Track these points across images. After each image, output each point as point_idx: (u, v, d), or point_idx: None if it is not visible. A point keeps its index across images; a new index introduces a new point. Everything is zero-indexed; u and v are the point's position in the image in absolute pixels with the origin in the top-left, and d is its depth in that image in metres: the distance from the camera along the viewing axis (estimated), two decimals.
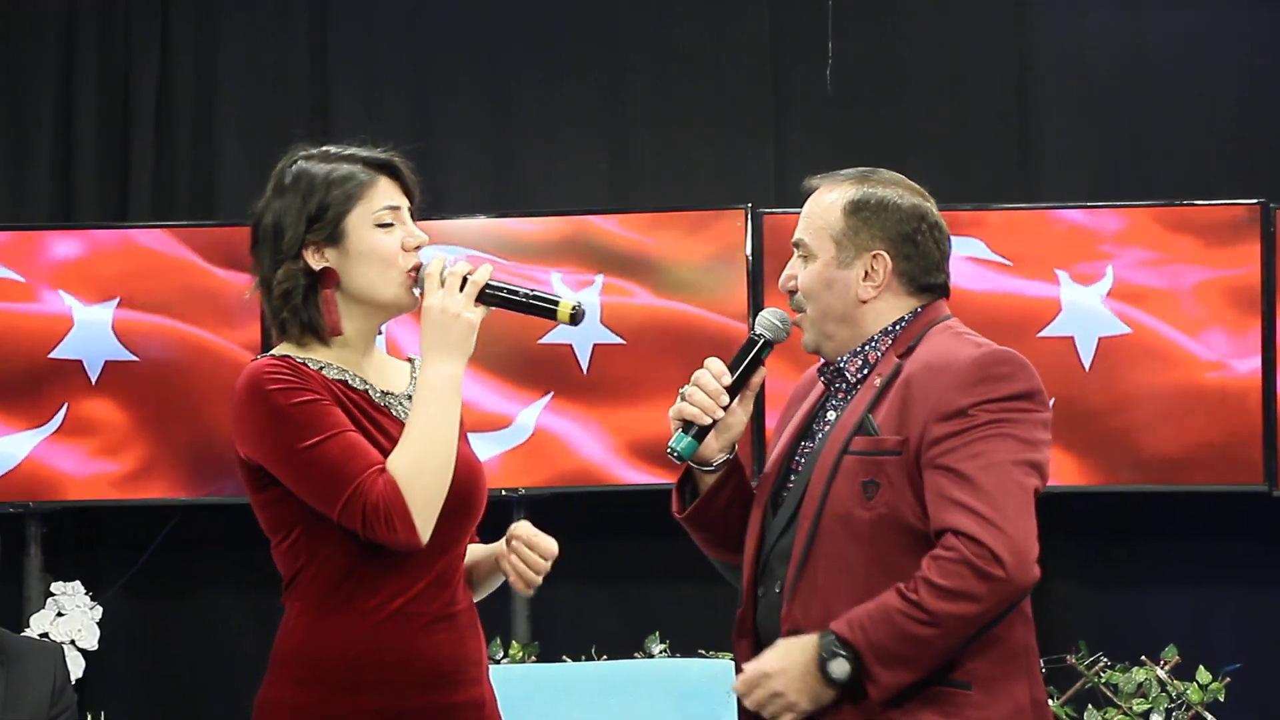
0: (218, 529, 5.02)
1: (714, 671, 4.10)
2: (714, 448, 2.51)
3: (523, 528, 2.52)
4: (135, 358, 4.88)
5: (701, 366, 2.52)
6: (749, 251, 4.82)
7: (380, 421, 2.44)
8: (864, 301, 2.47)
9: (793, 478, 2.49)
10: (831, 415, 2.50)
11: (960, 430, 2.34)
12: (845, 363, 2.50)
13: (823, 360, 2.54)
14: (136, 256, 4.89)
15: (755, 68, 5.14)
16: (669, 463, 4.73)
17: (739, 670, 2.44)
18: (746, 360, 2.52)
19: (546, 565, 2.51)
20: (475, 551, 2.57)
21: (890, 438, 2.38)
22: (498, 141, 5.16)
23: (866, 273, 2.47)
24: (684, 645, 4.87)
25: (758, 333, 2.54)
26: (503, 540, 2.55)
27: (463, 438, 2.46)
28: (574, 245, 4.86)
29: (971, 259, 4.69)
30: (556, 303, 2.43)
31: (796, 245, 2.52)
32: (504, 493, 4.79)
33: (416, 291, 2.45)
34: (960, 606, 2.28)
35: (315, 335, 2.45)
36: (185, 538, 5.09)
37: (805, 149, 5.09)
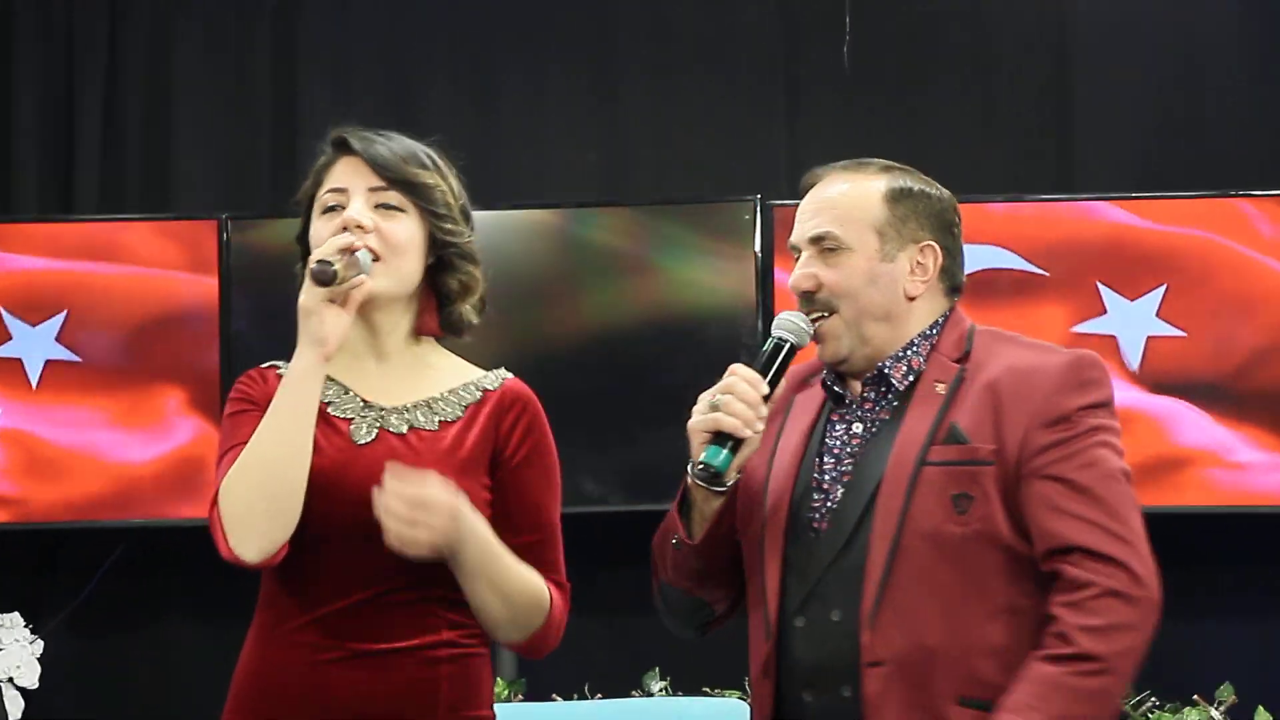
0: (173, 553, 4.99)
1: (719, 711, 4.05)
2: (733, 466, 2.47)
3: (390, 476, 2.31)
4: (79, 359, 4.87)
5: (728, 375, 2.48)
6: (758, 248, 4.79)
7: (319, 435, 2.36)
8: (912, 298, 2.45)
9: (817, 496, 2.44)
10: (859, 428, 2.45)
11: (1068, 437, 2.34)
12: (889, 368, 2.45)
13: (830, 371, 2.49)
14: (84, 252, 4.88)
15: (764, 44, 5.12)
16: (667, 484, 4.81)
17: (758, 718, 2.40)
18: (775, 368, 2.47)
19: (416, 514, 2.27)
20: None
21: (984, 446, 2.36)
22: (479, 129, 5.14)
23: (914, 266, 2.45)
24: (686, 682, 4.84)
25: (782, 338, 2.48)
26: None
27: (445, 459, 2.37)
28: (564, 242, 4.87)
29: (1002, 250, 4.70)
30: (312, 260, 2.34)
31: (818, 240, 2.46)
32: None
33: (361, 276, 2.35)
34: (1125, 640, 2.28)
35: None
36: (137, 563, 5.05)
37: (820, 134, 5.08)
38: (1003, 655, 2.32)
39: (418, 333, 2.47)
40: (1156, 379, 4.67)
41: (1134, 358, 4.67)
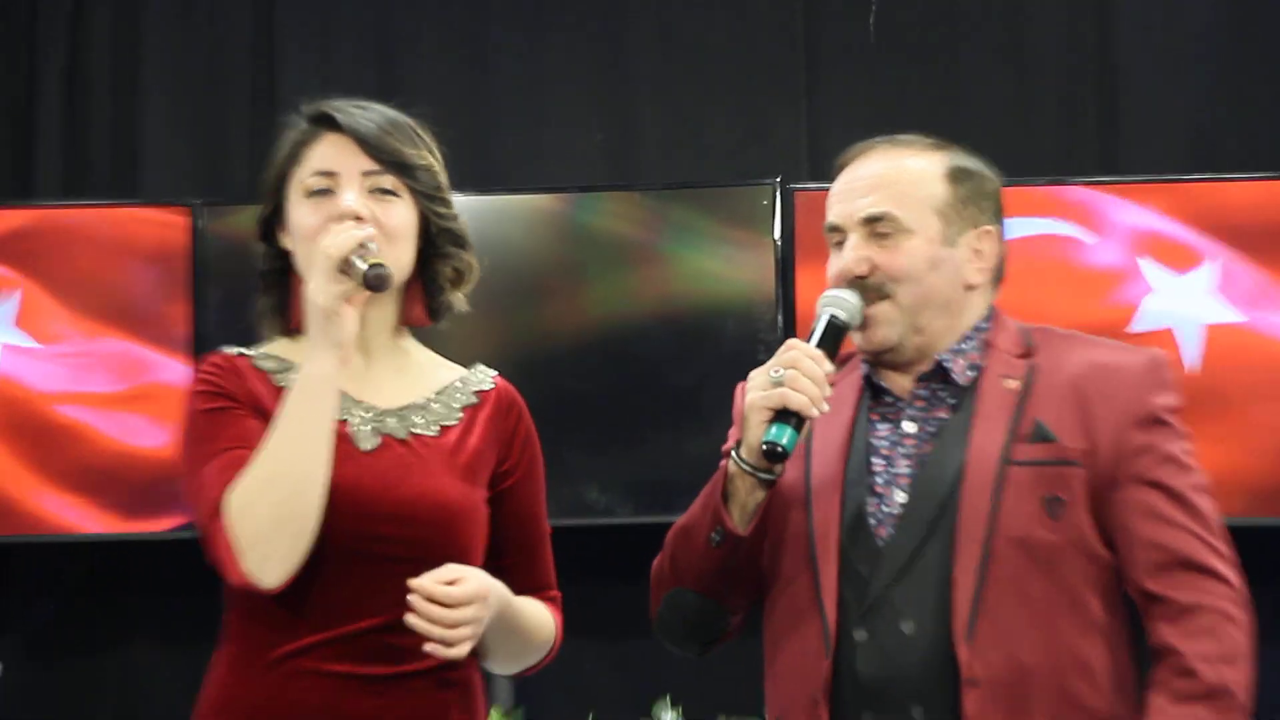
0: (141, 570, 4.98)
1: None
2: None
3: (422, 579, 2.33)
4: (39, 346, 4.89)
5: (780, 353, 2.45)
6: (778, 235, 4.79)
7: None
8: (970, 287, 2.46)
9: (871, 500, 2.42)
10: (910, 427, 2.45)
11: (1160, 440, 2.36)
12: (949, 361, 2.45)
13: (873, 360, 2.48)
14: (43, 238, 4.87)
15: (783, 15, 5.13)
16: (677, 494, 4.80)
17: None
18: (829, 346, 2.45)
19: (460, 615, 2.31)
20: None
21: (1073, 445, 2.36)
22: (474, 107, 5.15)
23: (974, 252, 2.46)
24: (699, 710, 4.86)
25: (834, 315, 2.46)
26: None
27: (448, 465, 2.39)
28: (565, 229, 4.87)
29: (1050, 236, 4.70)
30: (360, 266, 2.30)
31: (873, 220, 2.44)
32: None
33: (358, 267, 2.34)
34: (1247, 668, 2.30)
35: (284, 329, 2.43)
36: (104, 581, 5.05)
37: (844, 112, 5.09)
38: (1098, 676, 2.33)
39: (403, 323, 2.47)
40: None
41: (1192, 352, 4.66)
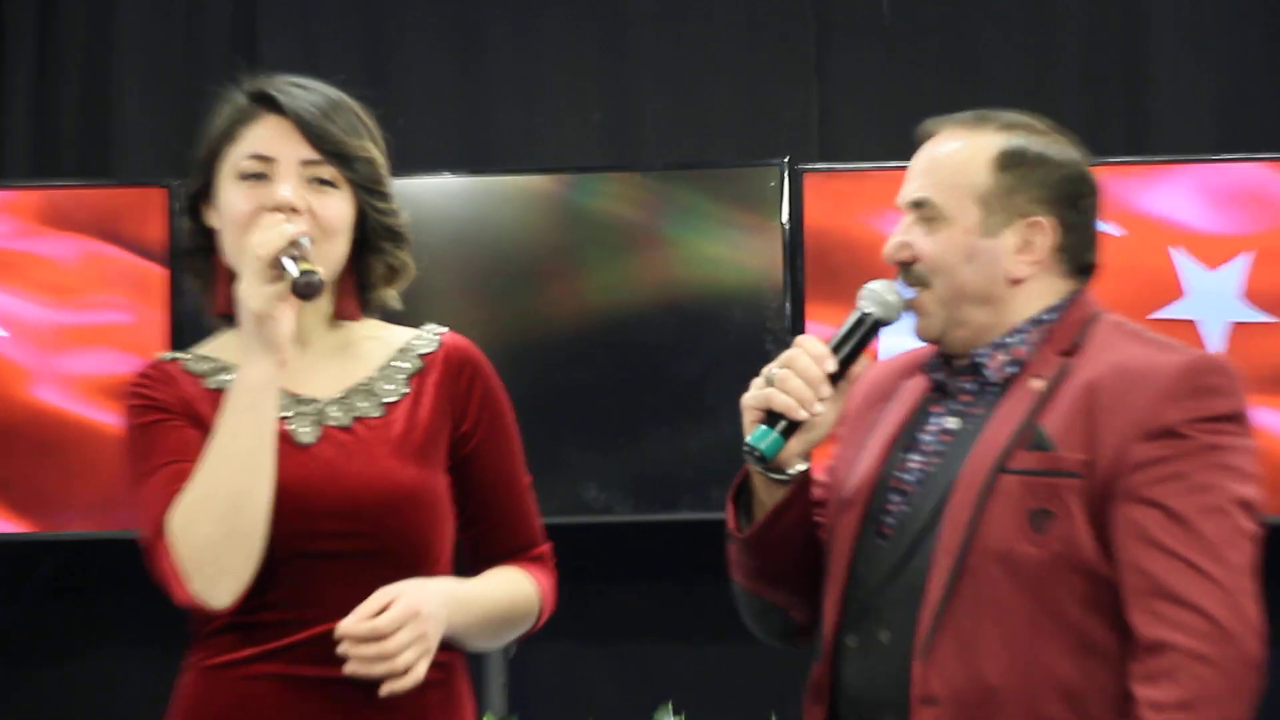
0: (111, 571, 4.95)
1: None
2: (793, 451, 2.47)
3: (343, 623, 2.33)
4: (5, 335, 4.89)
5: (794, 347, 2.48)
6: (786, 219, 4.78)
7: None
8: (1015, 281, 2.43)
9: (895, 498, 2.45)
10: (953, 423, 2.46)
11: (1172, 455, 2.30)
12: (985, 358, 2.44)
13: (937, 352, 2.50)
14: (8, 223, 4.87)
15: None
16: (679, 491, 4.81)
17: None
18: (852, 343, 2.47)
19: (396, 643, 2.30)
20: None
21: (1071, 455, 2.33)
22: (466, 83, 5.15)
23: (1021, 244, 2.43)
24: (702, 716, 4.85)
25: (866, 310, 2.48)
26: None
27: (398, 450, 2.39)
28: (563, 212, 4.87)
29: None
30: (293, 270, 2.29)
31: (917, 205, 2.46)
32: None
33: (287, 263, 2.32)
34: (1209, 711, 2.24)
35: (212, 313, 2.45)
36: (70, 582, 5.05)
37: (856, 90, 5.09)
38: (1075, 698, 2.30)
39: (338, 317, 2.47)
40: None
41: (1216, 343, 4.67)
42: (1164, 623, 2.25)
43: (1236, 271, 4.67)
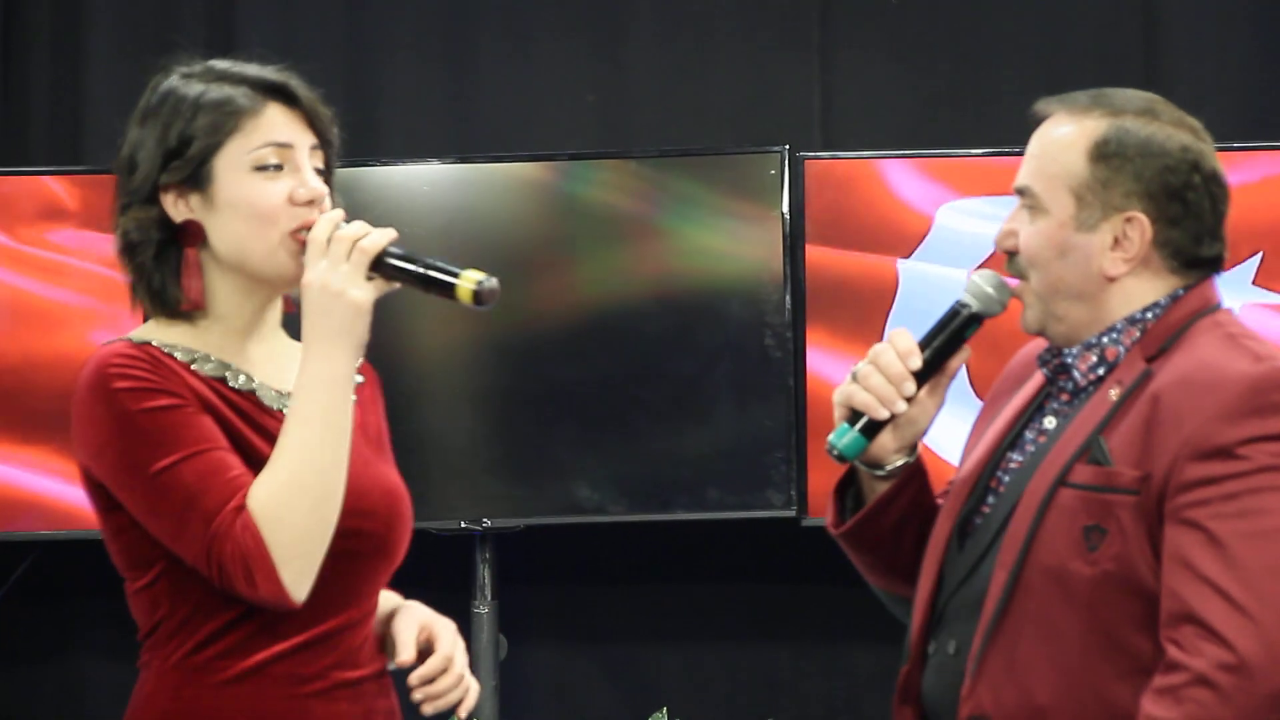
0: (90, 570, 4.85)
1: None
2: (889, 447, 2.51)
3: (420, 673, 2.51)
4: None
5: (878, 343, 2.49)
6: (786, 208, 4.79)
7: (272, 430, 2.42)
8: (1111, 278, 2.41)
9: (990, 500, 2.46)
10: (1050, 423, 2.47)
11: (1223, 476, 2.26)
12: (1075, 357, 2.44)
13: (1048, 344, 2.49)
14: None
15: None
16: (675, 490, 4.82)
17: None
18: (944, 337, 2.49)
19: (461, 668, 2.52)
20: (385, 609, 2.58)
21: (1127, 471, 2.32)
22: (455, 66, 5.15)
23: (1116, 239, 2.40)
24: None
25: (963, 301, 2.49)
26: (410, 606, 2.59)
27: (380, 451, 2.48)
28: (555, 200, 4.88)
29: None
30: (457, 277, 2.41)
31: (1021, 192, 2.45)
32: (463, 525, 4.82)
33: (304, 262, 2.43)
34: None
35: (165, 307, 2.45)
36: (43, 582, 5.04)
37: (860, 74, 5.08)
38: None
39: (285, 312, 2.54)
40: None
41: None
42: (1184, 647, 2.23)
43: (1249, 269, 4.68)
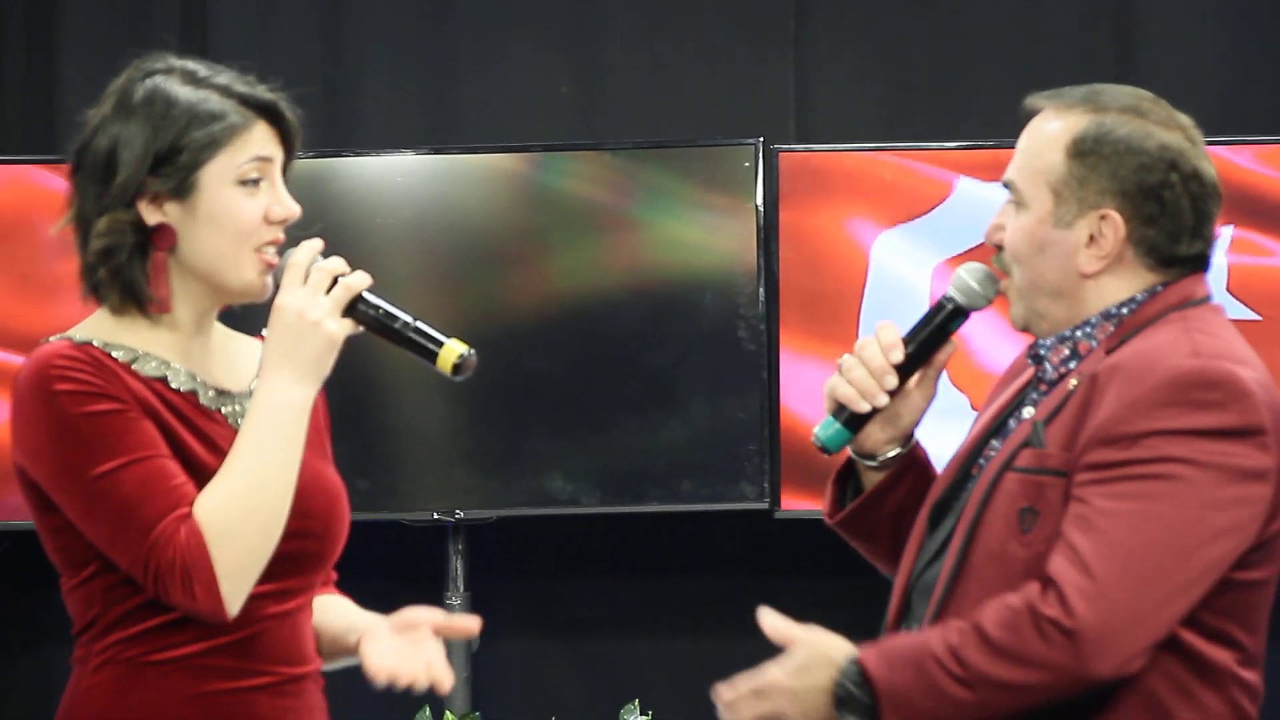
0: (43, 563, 4.88)
1: None
2: (880, 438, 2.55)
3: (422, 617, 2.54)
4: None
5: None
6: (760, 201, 4.80)
7: (210, 433, 2.45)
8: (1086, 275, 2.42)
9: (969, 487, 2.48)
10: (1029, 413, 2.47)
11: (1121, 461, 2.28)
12: (1048, 350, 2.46)
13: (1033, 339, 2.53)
14: None
15: None
16: (649, 482, 4.83)
17: None
18: (928, 331, 2.52)
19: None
20: (334, 614, 2.58)
21: (1057, 454, 2.35)
22: (427, 56, 5.14)
23: (1092, 237, 2.41)
24: (671, 717, 4.85)
25: (948, 296, 2.52)
26: (372, 625, 2.56)
27: (319, 451, 2.50)
28: (528, 192, 4.88)
29: None
30: (440, 345, 2.45)
31: (1006, 186, 2.47)
32: (435, 516, 4.82)
33: (270, 279, 2.46)
34: (1007, 671, 2.26)
35: (137, 306, 2.45)
36: (15, 573, 5.01)
37: (836, 66, 5.07)
38: (1075, 705, 2.30)
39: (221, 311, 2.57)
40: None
41: None
42: (1029, 599, 2.25)
43: (1220, 265, 4.68)
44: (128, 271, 2.42)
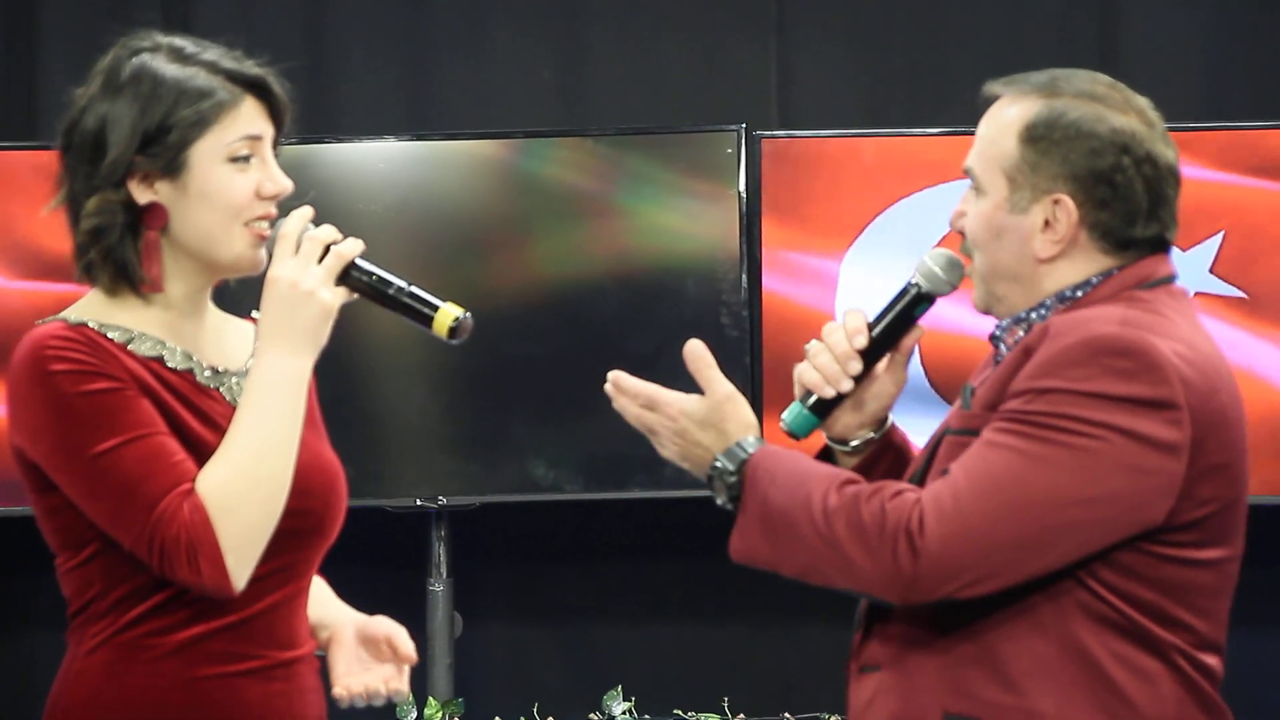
0: (40, 547, 4.86)
1: None
2: (851, 424, 2.56)
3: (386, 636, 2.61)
4: None
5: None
6: (743, 187, 4.81)
7: (208, 411, 2.45)
8: (1042, 260, 2.43)
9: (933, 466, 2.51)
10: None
11: (1023, 412, 2.30)
12: (1004, 331, 2.48)
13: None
14: None
15: None
16: (631, 468, 4.84)
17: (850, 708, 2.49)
18: (893, 316, 2.53)
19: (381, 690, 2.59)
20: (322, 608, 2.61)
21: (980, 414, 2.37)
22: (409, 42, 5.14)
23: (1047, 222, 2.42)
24: (655, 704, 4.89)
25: (913, 281, 2.53)
26: (339, 626, 2.61)
27: (315, 430, 2.50)
28: (510, 178, 4.89)
29: None
30: (436, 309, 2.47)
31: (966, 173, 2.49)
32: (418, 502, 4.83)
33: (263, 252, 2.46)
34: (852, 548, 2.30)
35: (130, 285, 2.45)
36: (1, 556, 5.06)
37: (818, 52, 5.09)
38: (996, 665, 2.33)
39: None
40: None
41: None
42: (901, 501, 2.29)
43: (1209, 251, 4.69)
44: (119, 251, 2.42)
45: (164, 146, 2.41)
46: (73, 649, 2.44)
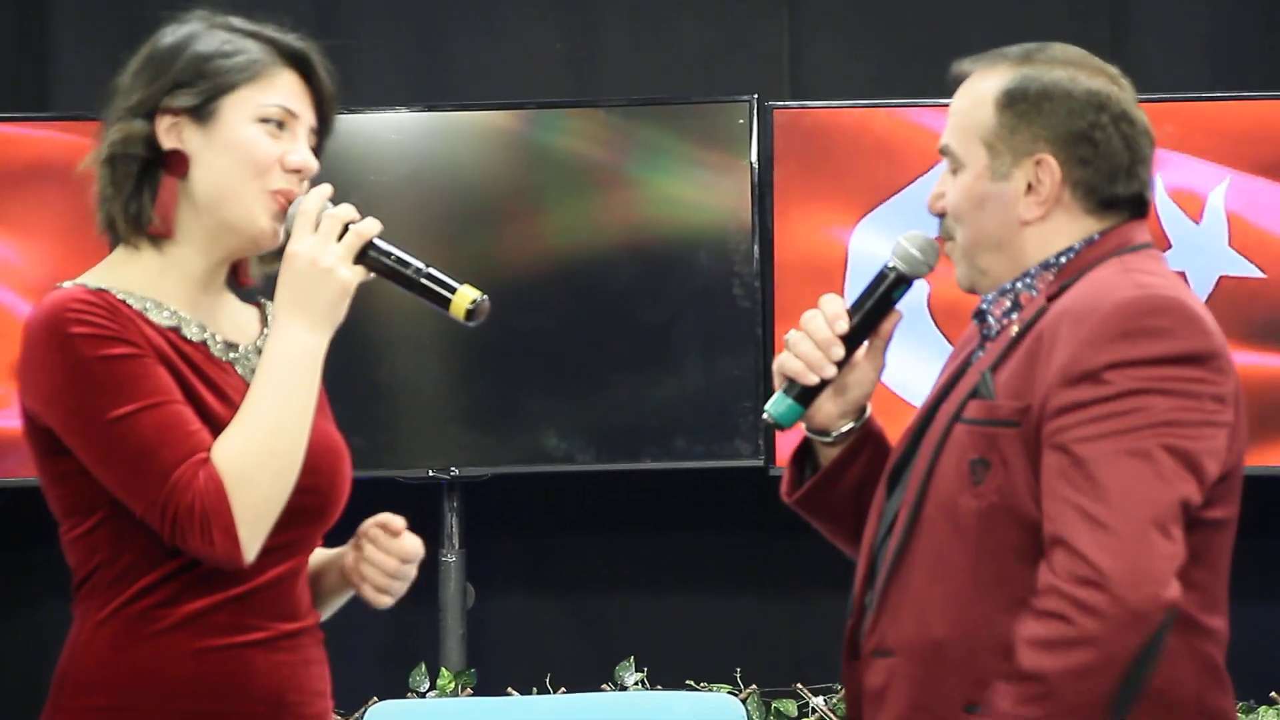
0: (50, 519, 4.89)
1: (710, 709, 4.11)
2: (832, 413, 2.56)
3: (373, 521, 2.58)
4: None
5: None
6: (754, 158, 4.81)
7: (221, 384, 2.45)
8: (1027, 223, 2.44)
9: (922, 450, 2.49)
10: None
11: (1088, 401, 2.28)
12: (990, 304, 2.48)
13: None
14: None
15: None
16: (643, 439, 4.85)
17: (848, 699, 2.49)
18: (872, 301, 2.53)
19: (404, 569, 2.57)
20: (320, 557, 2.61)
21: (1007, 404, 2.36)
22: (421, 13, 5.15)
23: (1030, 185, 2.44)
24: (667, 675, 4.90)
25: (889, 265, 2.53)
26: (351, 543, 2.61)
27: (321, 410, 2.50)
28: (523, 149, 4.89)
29: None
30: (453, 290, 2.47)
31: (942, 152, 2.50)
32: (431, 473, 4.85)
33: (281, 227, 2.46)
34: (1074, 657, 2.23)
35: (135, 228, 2.44)
36: (7, 530, 5.06)
37: (830, 22, 5.09)
38: (1012, 653, 2.31)
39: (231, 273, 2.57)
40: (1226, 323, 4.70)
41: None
42: (1053, 568, 2.25)
43: (1220, 219, 4.70)
44: (129, 186, 2.42)
45: (194, 90, 2.42)
46: (79, 621, 2.44)
